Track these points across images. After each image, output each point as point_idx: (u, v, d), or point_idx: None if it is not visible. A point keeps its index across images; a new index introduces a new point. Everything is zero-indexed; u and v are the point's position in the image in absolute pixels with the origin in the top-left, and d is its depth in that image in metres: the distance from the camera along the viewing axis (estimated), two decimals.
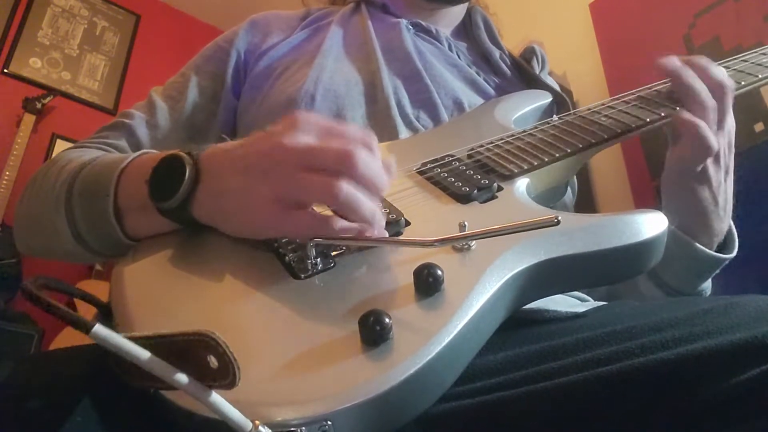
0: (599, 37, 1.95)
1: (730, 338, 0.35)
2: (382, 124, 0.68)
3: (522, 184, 0.54)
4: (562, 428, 0.38)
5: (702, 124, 0.59)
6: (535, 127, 0.64)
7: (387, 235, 0.45)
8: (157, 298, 0.43)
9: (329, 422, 0.31)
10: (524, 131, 0.63)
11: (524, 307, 0.47)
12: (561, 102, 0.76)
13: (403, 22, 0.81)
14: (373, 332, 0.35)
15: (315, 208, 0.45)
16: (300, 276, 0.42)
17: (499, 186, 0.53)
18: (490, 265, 0.41)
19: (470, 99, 0.75)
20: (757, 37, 1.47)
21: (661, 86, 0.69)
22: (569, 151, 0.58)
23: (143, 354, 0.29)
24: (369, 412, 0.32)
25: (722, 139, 0.61)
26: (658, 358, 0.36)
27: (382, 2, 0.86)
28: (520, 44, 0.92)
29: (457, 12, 0.89)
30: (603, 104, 0.67)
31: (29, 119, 2.45)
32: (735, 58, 0.73)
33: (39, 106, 2.50)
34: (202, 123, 0.75)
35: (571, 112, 0.67)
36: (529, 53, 0.89)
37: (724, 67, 0.71)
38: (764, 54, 0.73)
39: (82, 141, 0.70)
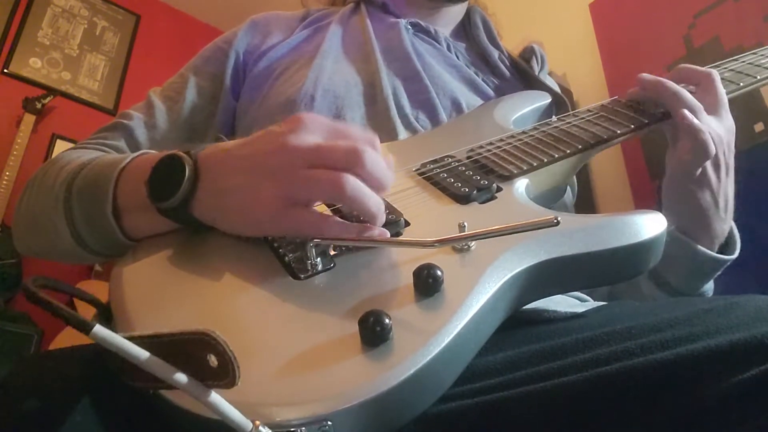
0: (599, 37, 1.95)
1: (730, 338, 0.35)
2: (381, 124, 0.68)
3: (521, 184, 0.54)
4: (561, 428, 0.38)
5: (700, 126, 0.59)
6: (535, 128, 0.64)
7: (387, 235, 0.45)
8: (157, 298, 0.43)
9: (329, 422, 0.31)
10: (523, 132, 0.63)
11: (524, 307, 0.47)
12: (560, 103, 0.77)
13: (402, 22, 0.81)
14: (373, 333, 0.35)
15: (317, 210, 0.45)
16: (300, 276, 0.42)
17: (498, 187, 0.53)
18: (489, 266, 0.41)
19: (469, 100, 0.75)
20: (757, 37, 1.47)
21: None
22: (568, 151, 0.59)
23: (142, 354, 0.29)
24: (369, 412, 0.32)
25: (722, 139, 0.61)
26: (658, 358, 0.36)
27: (381, 1, 0.86)
28: (519, 44, 0.92)
29: (457, 12, 0.89)
30: (601, 105, 0.67)
31: (29, 119, 2.45)
32: (733, 60, 0.73)
33: (39, 106, 2.50)
34: (200, 124, 0.75)
35: (571, 113, 0.68)
36: (529, 53, 0.89)
37: (723, 68, 0.72)
38: (762, 55, 0.73)
39: (81, 142, 0.70)
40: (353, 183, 0.41)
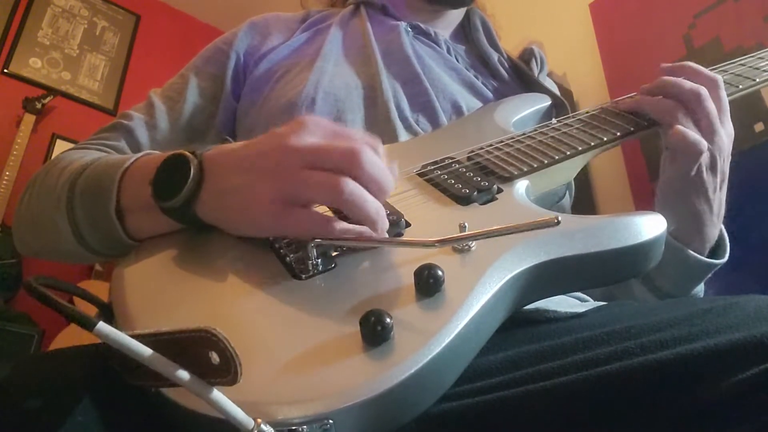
0: (599, 37, 1.95)
1: (730, 338, 0.35)
2: (381, 127, 0.68)
3: (522, 186, 0.54)
4: (561, 428, 0.38)
5: (685, 130, 0.59)
6: (535, 130, 0.64)
7: (387, 236, 0.45)
8: (158, 298, 0.43)
9: (330, 421, 0.31)
10: (524, 134, 0.64)
11: (524, 307, 0.47)
12: (560, 105, 0.77)
13: (402, 25, 0.81)
14: (374, 332, 0.35)
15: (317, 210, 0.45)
16: (301, 276, 0.42)
17: (498, 188, 0.53)
18: (490, 266, 0.41)
19: (469, 102, 0.75)
20: (757, 38, 1.47)
21: None
22: (569, 153, 0.59)
23: (145, 350, 0.29)
24: (370, 411, 0.33)
25: (719, 143, 0.61)
26: (658, 358, 0.36)
27: (381, 4, 0.86)
28: (519, 44, 0.92)
29: (456, 15, 0.89)
30: (601, 107, 0.68)
31: (29, 119, 2.45)
32: (733, 62, 0.73)
33: (39, 106, 2.50)
34: (201, 124, 0.75)
35: (571, 114, 0.68)
36: (528, 55, 0.89)
37: (721, 70, 0.72)
38: (761, 58, 0.73)
39: (82, 142, 0.70)
40: (351, 187, 0.41)
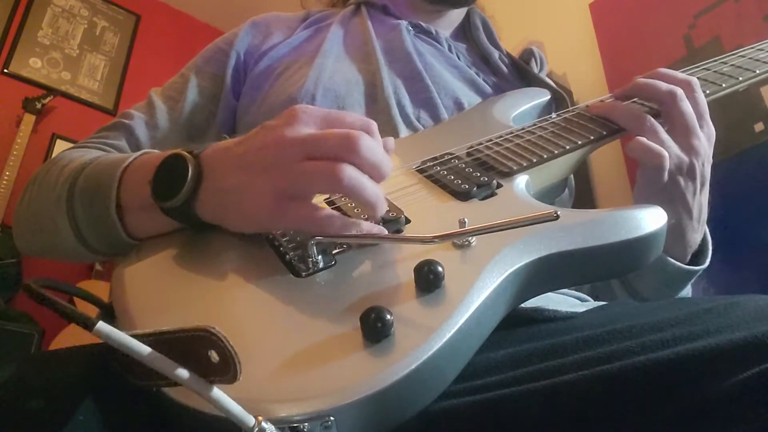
0: (599, 37, 1.95)
1: (730, 337, 0.35)
2: (382, 124, 0.68)
3: (521, 181, 0.54)
4: (561, 426, 0.38)
5: (644, 141, 0.57)
6: (534, 125, 0.64)
7: (387, 232, 0.45)
8: (159, 297, 0.43)
9: (331, 418, 0.31)
10: (523, 128, 0.63)
11: (524, 306, 0.47)
12: (560, 99, 0.77)
13: (403, 23, 0.81)
14: (375, 329, 0.35)
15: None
16: (301, 274, 0.42)
17: (498, 183, 0.53)
18: (490, 262, 0.41)
19: (470, 99, 0.75)
20: (757, 38, 1.47)
21: None
22: (568, 147, 0.59)
23: (145, 350, 0.29)
24: (371, 408, 0.33)
25: (697, 147, 0.59)
26: (658, 357, 0.36)
27: (382, 4, 0.86)
28: (520, 45, 0.92)
29: (457, 14, 0.89)
30: (601, 101, 0.67)
31: (29, 119, 2.45)
32: (732, 54, 0.73)
33: (39, 106, 2.50)
34: (201, 123, 0.75)
35: (571, 108, 0.68)
36: (528, 55, 0.89)
37: (721, 63, 0.71)
38: (761, 49, 0.73)
39: (82, 141, 0.70)
40: (350, 172, 0.41)
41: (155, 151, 0.56)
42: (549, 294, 0.53)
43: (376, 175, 0.43)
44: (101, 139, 0.70)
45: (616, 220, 0.46)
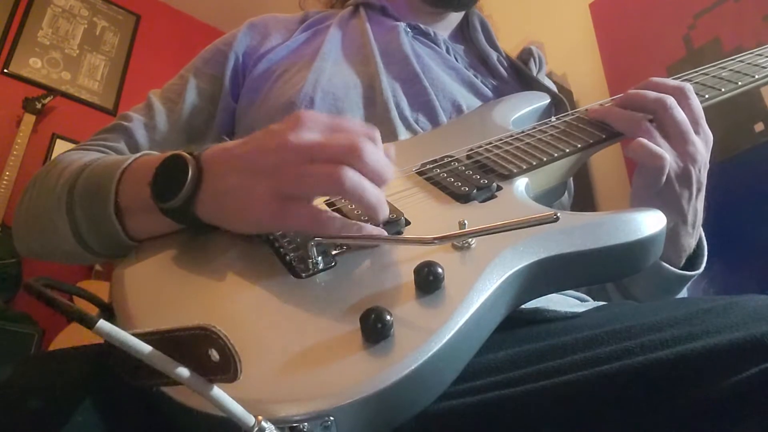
0: (599, 37, 1.95)
1: (729, 337, 0.35)
2: (381, 126, 0.67)
3: (521, 183, 0.54)
4: (561, 427, 0.38)
5: (645, 142, 0.57)
6: (534, 128, 0.64)
7: (387, 234, 0.45)
8: (160, 298, 0.43)
9: (331, 418, 0.31)
10: (523, 132, 0.64)
11: (524, 307, 0.47)
12: (559, 103, 0.77)
13: (401, 25, 0.81)
14: (374, 329, 0.35)
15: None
16: (301, 275, 0.42)
17: (498, 186, 0.53)
18: (489, 263, 0.41)
19: (468, 101, 0.75)
20: (757, 38, 1.47)
21: None
22: (568, 150, 0.59)
23: (145, 348, 0.29)
24: (370, 408, 0.33)
25: (692, 153, 0.59)
26: (658, 357, 0.36)
27: (381, 5, 0.86)
28: (520, 45, 0.92)
29: (456, 16, 0.89)
30: (601, 104, 0.67)
31: (29, 119, 2.45)
32: (732, 59, 0.73)
33: (39, 106, 2.50)
34: (200, 125, 0.75)
35: (570, 112, 0.68)
36: (527, 54, 0.89)
37: (719, 67, 0.71)
38: (760, 55, 0.73)
39: (82, 143, 0.70)
40: (352, 176, 0.41)
41: (155, 152, 0.56)
42: (549, 294, 0.53)
43: (378, 181, 0.43)
44: (100, 141, 0.70)
45: (616, 222, 0.46)
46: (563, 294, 0.59)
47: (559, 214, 0.39)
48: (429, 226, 0.49)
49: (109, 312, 0.43)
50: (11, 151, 2.32)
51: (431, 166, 0.58)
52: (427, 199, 0.52)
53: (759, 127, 1.44)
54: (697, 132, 0.60)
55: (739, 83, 0.67)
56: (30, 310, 2.12)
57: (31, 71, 2.67)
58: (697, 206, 0.63)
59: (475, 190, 0.51)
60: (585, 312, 0.52)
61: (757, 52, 0.73)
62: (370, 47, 0.77)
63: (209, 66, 0.78)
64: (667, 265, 0.62)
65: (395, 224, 0.47)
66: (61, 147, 2.56)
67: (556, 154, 0.58)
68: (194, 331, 0.29)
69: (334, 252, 0.44)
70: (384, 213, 0.44)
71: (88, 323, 0.28)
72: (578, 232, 0.45)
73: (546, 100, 0.76)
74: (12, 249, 2.08)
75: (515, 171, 0.55)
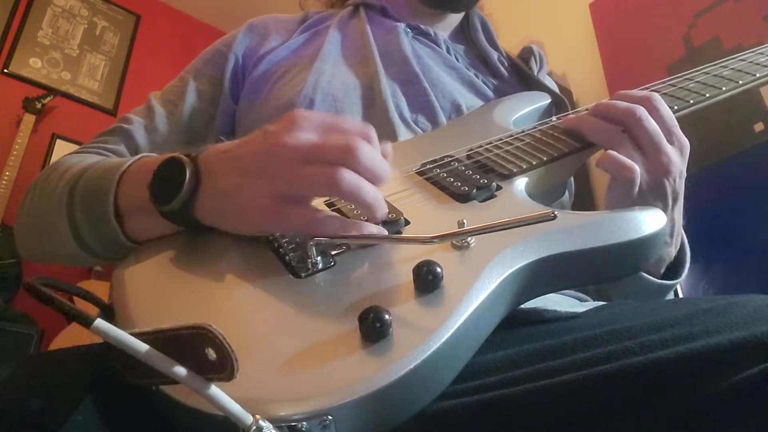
0: (599, 37, 1.96)
1: (729, 337, 0.35)
2: (380, 127, 0.67)
3: (521, 183, 0.54)
4: (561, 426, 0.38)
5: (614, 154, 0.55)
6: (534, 128, 0.64)
7: (386, 233, 0.45)
8: (159, 299, 0.43)
9: (329, 417, 0.32)
10: (523, 131, 0.64)
11: (523, 307, 0.47)
12: (560, 103, 0.77)
13: (401, 25, 0.81)
14: (373, 328, 0.35)
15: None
16: (300, 275, 0.42)
17: (498, 185, 0.53)
18: (489, 263, 0.41)
19: (468, 101, 0.75)
20: (757, 37, 1.47)
21: None
22: (567, 150, 0.59)
23: (142, 347, 0.29)
24: (369, 407, 0.33)
25: (665, 163, 0.57)
26: (658, 357, 0.36)
27: (381, 6, 0.86)
28: (520, 44, 0.92)
29: (456, 16, 0.89)
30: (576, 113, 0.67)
31: (29, 119, 2.45)
32: (733, 58, 0.73)
33: (39, 106, 2.50)
34: (200, 127, 0.75)
35: (571, 111, 0.68)
36: (527, 53, 0.89)
37: (721, 66, 0.71)
38: (761, 53, 0.73)
39: (82, 146, 0.71)
40: (349, 176, 0.41)
41: (153, 154, 0.56)
42: (548, 294, 0.53)
43: (375, 180, 0.43)
44: (101, 143, 0.70)
45: (616, 221, 0.46)
46: (563, 294, 0.59)
47: (557, 213, 0.39)
48: (428, 225, 0.49)
49: (109, 312, 0.43)
50: (11, 151, 2.32)
51: (431, 166, 0.58)
52: (426, 199, 0.52)
53: (759, 126, 1.44)
54: (670, 141, 0.57)
55: (740, 82, 0.67)
56: (30, 310, 2.12)
57: (31, 71, 2.67)
58: (674, 216, 0.61)
59: (474, 190, 0.51)
60: (585, 312, 0.52)
61: (758, 51, 0.73)
62: (370, 48, 0.77)
63: (209, 67, 0.78)
64: (648, 276, 0.61)
65: (395, 224, 0.47)
66: (61, 147, 2.56)
67: (556, 154, 0.58)
68: (191, 330, 0.30)
69: (333, 252, 0.44)
70: (382, 212, 0.44)
71: (86, 322, 0.29)
72: (578, 231, 0.45)
73: (546, 99, 0.76)
74: (12, 249, 2.08)
75: (515, 171, 0.55)
